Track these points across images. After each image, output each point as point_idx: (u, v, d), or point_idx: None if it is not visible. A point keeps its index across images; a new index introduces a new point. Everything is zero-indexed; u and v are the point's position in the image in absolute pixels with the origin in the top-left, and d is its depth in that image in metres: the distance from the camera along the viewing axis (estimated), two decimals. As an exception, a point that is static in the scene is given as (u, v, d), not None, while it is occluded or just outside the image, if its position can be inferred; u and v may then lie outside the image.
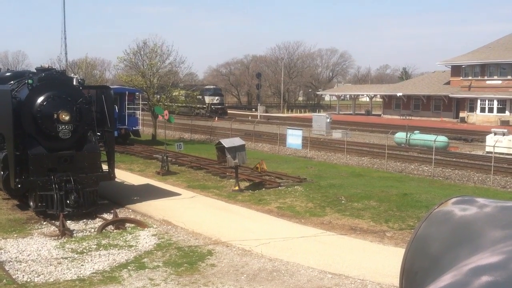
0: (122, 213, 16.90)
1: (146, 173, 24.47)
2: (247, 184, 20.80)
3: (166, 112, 27.76)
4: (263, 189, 20.03)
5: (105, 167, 17.42)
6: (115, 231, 14.76)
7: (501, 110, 57.65)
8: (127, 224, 15.44)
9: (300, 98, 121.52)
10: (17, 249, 12.74)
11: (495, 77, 58.87)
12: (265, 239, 13.64)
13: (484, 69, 59.89)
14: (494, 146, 25.65)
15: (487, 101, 58.76)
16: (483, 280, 0.99)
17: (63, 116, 15.87)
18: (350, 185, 20.19)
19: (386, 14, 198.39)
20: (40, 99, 15.82)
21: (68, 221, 15.28)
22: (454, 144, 35.78)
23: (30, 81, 15.99)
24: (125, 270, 11.39)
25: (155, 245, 13.25)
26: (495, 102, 58.15)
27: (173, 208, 17.24)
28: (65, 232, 14.16)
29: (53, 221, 15.28)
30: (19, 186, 15.37)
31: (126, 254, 12.52)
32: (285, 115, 77.53)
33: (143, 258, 12.25)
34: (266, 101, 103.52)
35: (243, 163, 20.43)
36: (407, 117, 64.45)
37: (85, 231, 14.88)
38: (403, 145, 34.48)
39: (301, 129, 33.35)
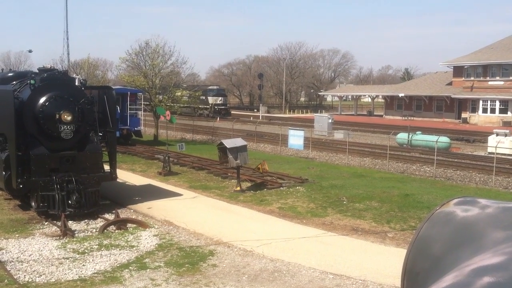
0: (123, 213, 16.91)
1: (148, 174, 24.49)
2: (248, 184, 20.81)
3: (168, 112, 27.78)
4: (265, 189, 20.03)
5: (107, 167, 17.44)
6: (116, 231, 14.77)
7: (503, 110, 57.59)
8: (129, 225, 15.45)
9: (302, 99, 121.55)
10: (19, 249, 12.76)
11: (497, 78, 58.82)
12: (266, 239, 13.64)
13: (486, 70, 59.85)
14: (496, 147, 25.64)
15: (489, 101, 58.70)
16: (485, 281, 0.99)
17: (65, 116, 15.89)
18: (352, 186, 20.18)
19: (388, 14, 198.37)
20: (42, 100, 15.84)
21: (70, 221, 15.30)
22: (456, 145, 35.76)
23: (32, 81, 16.01)
24: (126, 270, 11.40)
25: (156, 245, 13.26)
26: (497, 103, 58.09)
27: (174, 209, 17.25)
28: (66, 232, 14.17)
29: (55, 221, 15.30)
30: (21, 186, 15.39)
31: (127, 254, 12.53)
32: (287, 115, 77.53)
33: (144, 258, 12.26)
34: (268, 102, 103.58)
35: (244, 164, 20.44)
36: (409, 118, 64.37)
37: (86, 231, 14.89)
38: (405, 145, 34.46)
39: (303, 130, 33.36)
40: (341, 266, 11.71)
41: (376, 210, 16.69)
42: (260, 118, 64.15)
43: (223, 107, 68.46)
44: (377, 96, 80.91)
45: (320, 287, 10.56)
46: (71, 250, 12.77)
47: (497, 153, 25.10)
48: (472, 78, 61.11)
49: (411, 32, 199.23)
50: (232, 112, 74.14)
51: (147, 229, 14.82)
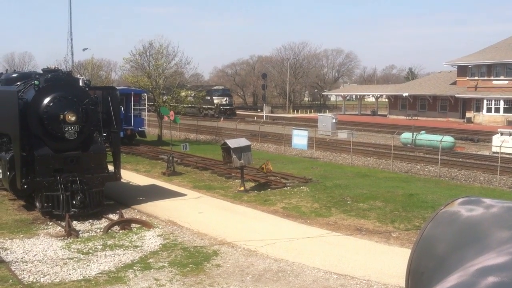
0: (128, 213, 16.94)
1: (152, 174, 24.52)
2: (252, 184, 20.81)
3: (171, 112, 27.81)
4: (269, 189, 20.02)
5: (111, 167, 17.46)
6: (120, 231, 14.79)
7: (507, 110, 57.43)
8: (133, 225, 15.47)
9: (306, 99, 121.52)
10: (23, 249, 12.79)
11: (502, 77, 58.67)
12: (270, 239, 13.63)
13: (491, 69, 59.70)
14: (500, 146, 25.56)
15: (493, 101, 58.56)
16: (490, 281, 0.99)
17: (69, 117, 15.92)
18: (356, 186, 20.16)
19: (392, 14, 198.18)
20: (46, 100, 15.87)
21: (74, 222, 15.33)
22: (460, 145, 35.67)
23: (36, 82, 16.04)
24: (130, 270, 11.41)
25: (160, 245, 13.27)
26: (502, 102, 57.94)
27: (178, 209, 17.26)
28: (71, 233, 14.20)
29: (59, 222, 15.33)
30: (26, 186, 15.43)
31: (131, 254, 12.55)
32: (291, 115, 77.52)
33: (148, 258, 12.27)
34: (272, 102, 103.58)
35: (248, 164, 20.43)
36: (413, 117, 64.28)
37: (91, 232, 14.92)
38: (409, 145, 34.41)
39: (307, 130, 33.33)
40: (345, 266, 11.69)
41: (380, 210, 16.66)
42: (264, 118, 64.15)
43: (228, 107, 68.36)
44: (381, 95, 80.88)
45: (324, 287, 10.55)
46: (76, 250, 12.79)
47: (502, 153, 25.02)
48: (476, 78, 60.97)
49: (415, 32, 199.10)
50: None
51: (151, 229, 14.84)
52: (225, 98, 68.95)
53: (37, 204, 16.05)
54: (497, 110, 58.25)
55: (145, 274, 11.19)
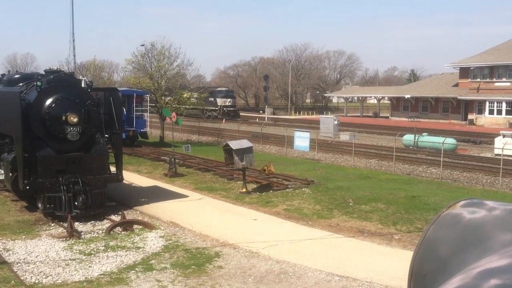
0: (130, 214, 16.95)
1: (154, 175, 24.53)
2: (254, 186, 20.81)
3: (173, 114, 27.82)
4: (271, 191, 20.02)
5: (113, 169, 17.48)
6: (122, 232, 14.80)
7: (510, 112, 57.33)
8: (135, 226, 15.48)
9: (308, 100, 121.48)
10: (25, 250, 12.80)
11: (504, 79, 58.59)
12: (272, 241, 13.63)
13: (493, 71, 59.63)
14: (502, 149, 25.52)
15: (495, 103, 58.47)
16: (492, 283, 0.99)
17: (72, 118, 15.95)
18: (358, 188, 20.15)
19: (393, 15, 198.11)
20: (48, 101, 15.90)
21: (76, 223, 15.34)
22: (462, 147, 35.62)
23: (38, 83, 16.08)
24: (132, 271, 11.42)
25: (162, 246, 13.28)
26: (504, 104, 57.85)
27: (180, 210, 17.27)
28: (73, 234, 14.22)
29: (61, 223, 15.35)
30: (28, 187, 15.45)
31: (133, 255, 12.56)
32: (293, 117, 77.52)
33: (150, 259, 12.28)
34: (274, 103, 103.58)
35: (250, 165, 20.43)
36: (415, 119, 64.22)
37: (93, 233, 14.93)
38: (411, 147, 34.37)
39: (309, 131, 33.34)
40: (347, 268, 11.68)
41: (382, 212, 16.65)
42: (266, 119, 64.14)
43: (232, 108, 68.37)
44: (383, 97, 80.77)
45: (326, 289, 10.54)
46: (78, 251, 12.80)
47: (504, 155, 24.98)
48: (478, 80, 60.90)
49: (417, 33, 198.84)
50: (238, 113, 74.14)
51: (153, 230, 14.85)
52: (229, 99, 68.97)
53: (39, 205, 16.08)
54: (499, 112, 58.16)
55: (147, 275, 11.19)
